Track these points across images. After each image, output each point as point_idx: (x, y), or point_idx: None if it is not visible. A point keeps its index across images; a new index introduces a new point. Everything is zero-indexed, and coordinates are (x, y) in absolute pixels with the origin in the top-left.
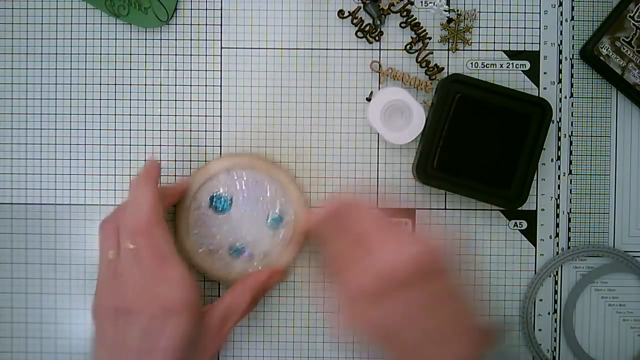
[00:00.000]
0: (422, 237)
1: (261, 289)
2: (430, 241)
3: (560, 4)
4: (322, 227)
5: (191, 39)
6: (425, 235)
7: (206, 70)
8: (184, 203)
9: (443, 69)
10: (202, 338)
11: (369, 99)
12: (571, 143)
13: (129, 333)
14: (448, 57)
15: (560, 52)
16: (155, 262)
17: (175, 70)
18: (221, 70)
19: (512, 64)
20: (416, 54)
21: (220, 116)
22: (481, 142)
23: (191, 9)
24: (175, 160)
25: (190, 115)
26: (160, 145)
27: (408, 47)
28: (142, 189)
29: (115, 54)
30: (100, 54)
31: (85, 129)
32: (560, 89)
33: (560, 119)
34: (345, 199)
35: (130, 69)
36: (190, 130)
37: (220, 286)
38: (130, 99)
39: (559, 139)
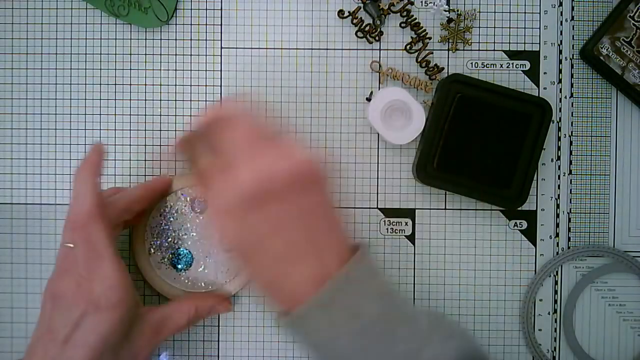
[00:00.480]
0: (295, 150)
1: (204, 312)
2: (304, 154)
3: (560, 4)
4: (195, 139)
5: (191, 39)
6: (299, 148)
7: (206, 70)
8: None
9: (443, 69)
10: (132, 338)
11: (369, 99)
12: (571, 143)
13: (60, 321)
14: (448, 57)
15: (560, 52)
16: (90, 259)
17: (175, 70)
18: (221, 70)
19: (512, 64)
20: (416, 54)
21: None
22: (481, 142)
23: (191, 9)
24: (175, 160)
25: (191, 116)
26: (160, 145)
27: (408, 47)
28: (81, 181)
29: (115, 54)
30: (100, 54)
31: (85, 129)
32: (560, 89)
33: (560, 119)
34: (220, 109)
35: (130, 69)
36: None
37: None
38: (130, 99)
39: (559, 139)
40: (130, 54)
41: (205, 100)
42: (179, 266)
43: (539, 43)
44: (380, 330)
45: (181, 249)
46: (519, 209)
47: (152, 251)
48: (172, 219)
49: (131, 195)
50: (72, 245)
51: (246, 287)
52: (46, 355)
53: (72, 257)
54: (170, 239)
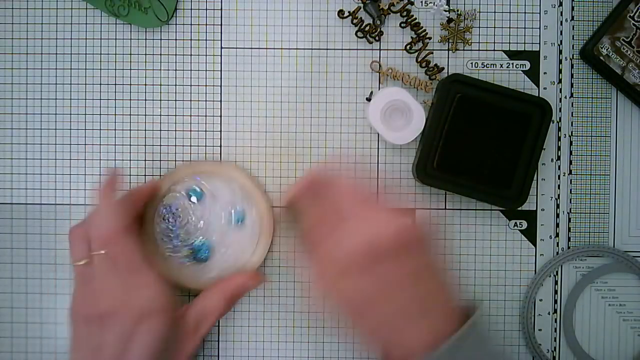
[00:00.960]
0: (399, 213)
1: (236, 293)
2: (402, 218)
3: (560, 4)
4: (300, 198)
5: (191, 39)
6: (400, 213)
7: (206, 70)
8: (150, 211)
9: (443, 69)
10: (176, 341)
11: (369, 99)
12: (571, 143)
13: (104, 338)
14: (448, 57)
15: (560, 52)
16: (128, 269)
17: (175, 70)
18: (221, 70)
19: (512, 64)
20: (416, 54)
21: (220, 116)
22: (481, 142)
23: (191, 9)
24: (175, 160)
25: (190, 115)
26: (160, 145)
27: (408, 47)
28: (103, 201)
29: (115, 54)
30: (100, 54)
31: (85, 129)
32: (560, 89)
33: (560, 119)
34: (324, 170)
35: (130, 69)
36: (190, 130)
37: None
38: (130, 99)
39: (559, 139)
40: (130, 54)
41: (205, 100)
42: (203, 256)
43: (539, 43)
44: None
45: (195, 242)
46: (519, 209)
47: (171, 255)
48: (176, 218)
49: (139, 197)
50: (104, 252)
51: (268, 252)
52: None
53: (100, 272)
54: (181, 238)
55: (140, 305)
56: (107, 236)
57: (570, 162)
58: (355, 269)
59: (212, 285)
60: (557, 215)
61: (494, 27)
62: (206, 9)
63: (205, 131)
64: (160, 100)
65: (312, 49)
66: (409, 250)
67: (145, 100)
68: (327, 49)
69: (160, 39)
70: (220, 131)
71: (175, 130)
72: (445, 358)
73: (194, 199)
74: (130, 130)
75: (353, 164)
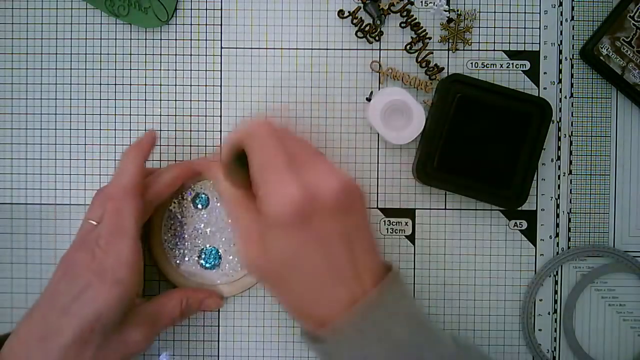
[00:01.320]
0: (338, 169)
1: (193, 307)
2: (346, 174)
3: (560, 4)
4: (251, 137)
5: (191, 39)
6: (331, 167)
7: (206, 70)
8: (157, 219)
9: (443, 69)
10: (125, 326)
11: (369, 99)
12: (571, 143)
13: (64, 289)
14: (448, 57)
15: (560, 52)
16: (113, 233)
17: (175, 70)
18: (221, 70)
19: (512, 64)
20: (416, 54)
21: (220, 116)
22: (481, 142)
23: (191, 9)
24: (175, 160)
25: (190, 115)
26: (160, 145)
27: (408, 47)
28: (127, 159)
29: (115, 54)
30: (100, 54)
31: (85, 129)
32: (560, 89)
33: (560, 119)
34: (261, 120)
35: (130, 69)
36: (190, 130)
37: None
38: (130, 99)
39: (559, 139)
40: (130, 54)
41: (205, 100)
42: (210, 264)
43: (539, 43)
44: (409, 353)
45: (204, 249)
46: (519, 209)
47: (179, 263)
48: (183, 227)
49: (165, 178)
50: (95, 223)
51: (243, 292)
52: (43, 321)
53: (94, 230)
54: (188, 246)
55: (102, 268)
56: (111, 193)
57: (570, 162)
58: (293, 223)
59: (173, 291)
60: (557, 215)
61: (494, 27)
62: (206, 9)
63: (205, 131)
64: (160, 100)
65: (312, 49)
66: (348, 206)
67: (145, 100)
68: (327, 49)
69: (160, 39)
70: (220, 131)
71: (175, 130)
72: (366, 313)
73: (199, 206)
74: (130, 130)
75: (353, 163)
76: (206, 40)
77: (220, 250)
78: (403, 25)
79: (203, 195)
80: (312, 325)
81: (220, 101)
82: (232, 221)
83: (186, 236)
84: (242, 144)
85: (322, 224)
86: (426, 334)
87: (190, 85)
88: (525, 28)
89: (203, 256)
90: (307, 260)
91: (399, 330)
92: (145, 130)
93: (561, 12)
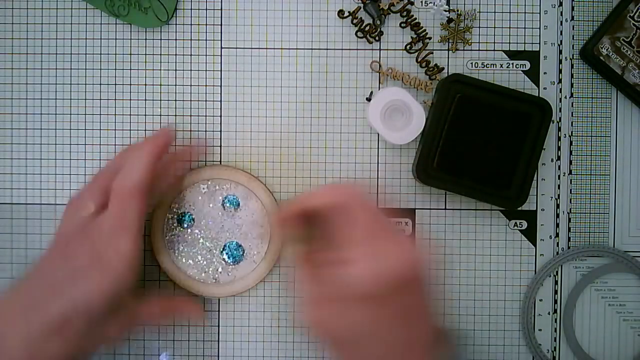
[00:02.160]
0: (407, 247)
1: (171, 312)
2: (414, 253)
3: (560, 4)
4: (316, 215)
5: (191, 39)
6: (411, 243)
7: (206, 70)
8: (158, 223)
9: (443, 69)
10: (109, 319)
11: (369, 99)
12: (571, 143)
13: (60, 265)
14: (448, 57)
15: (560, 52)
16: (116, 227)
17: (175, 70)
18: (221, 70)
19: (512, 64)
20: (416, 54)
21: (220, 116)
22: (481, 142)
23: (191, 9)
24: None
25: (190, 115)
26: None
27: (408, 47)
28: (140, 155)
29: (115, 54)
30: (100, 54)
31: (85, 129)
32: (560, 89)
33: (560, 119)
34: (351, 189)
35: (130, 69)
36: (190, 130)
37: None
38: (130, 99)
39: (559, 139)
40: (130, 54)
41: (205, 100)
42: (236, 257)
43: (539, 43)
44: None
45: (226, 244)
46: (519, 209)
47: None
48: (209, 230)
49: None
50: (93, 208)
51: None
52: (30, 293)
53: (96, 219)
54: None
55: (101, 258)
56: (120, 189)
57: (570, 162)
58: (353, 302)
59: (160, 299)
60: (557, 215)
61: (494, 27)
62: (206, 9)
63: (205, 131)
64: (160, 100)
65: (312, 49)
66: (409, 288)
67: (145, 100)
68: (327, 49)
69: (160, 39)
70: (220, 131)
71: (175, 130)
72: None
73: (230, 207)
74: (130, 130)
75: (353, 164)
76: (206, 40)
77: (242, 244)
78: (403, 25)
79: (187, 215)
80: None
81: (220, 101)
82: (303, 281)
83: (187, 236)
84: (326, 206)
85: (381, 304)
86: None
87: (190, 85)
88: (525, 28)
89: (227, 250)
90: (379, 333)
91: None
92: (145, 130)
93: (561, 12)
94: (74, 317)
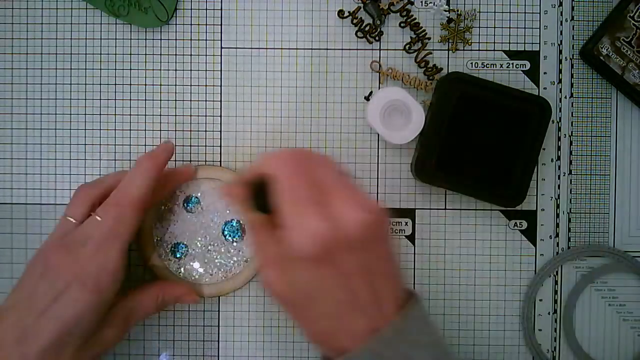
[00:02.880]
0: (367, 198)
1: (169, 301)
2: (365, 211)
3: (560, 4)
4: (276, 170)
5: (191, 39)
6: (365, 201)
7: (206, 70)
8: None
9: (442, 69)
10: (102, 327)
11: (367, 98)
12: (571, 143)
13: (43, 290)
14: (448, 57)
15: (560, 52)
16: (106, 239)
17: (175, 70)
18: (221, 70)
19: (512, 64)
20: (415, 54)
21: (220, 116)
22: (480, 140)
23: (191, 9)
24: (175, 160)
25: (190, 115)
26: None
27: (407, 47)
28: (140, 170)
29: (115, 54)
30: (100, 54)
31: (85, 129)
32: (560, 89)
33: (560, 119)
34: (282, 157)
35: (130, 69)
36: (190, 130)
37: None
38: (130, 99)
39: (559, 139)
40: (130, 54)
41: (205, 100)
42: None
43: (539, 43)
44: None
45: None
46: (519, 209)
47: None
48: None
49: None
50: (74, 222)
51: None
52: (19, 323)
53: (76, 230)
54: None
55: (85, 272)
56: (117, 200)
57: (570, 162)
58: (298, 263)
59: (150, 287)
60: (557, 215)
61: (494, 27)
62: (206, 9)
63: (205, 131)
64: (160, 100)
65: (312, 49)
66: (371, 239)
67: (145, 100)
68: (327, 49)
69: (160, 39)
70: (220, 131)
71: (175, 131)
72: (386, 340)
73: (189, 207)
74: (130, 130)
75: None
76: (206, 40)
77: (242, 222)
78: (402, 25)
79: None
80: (330, 351)
81: (220, 101)
82: (255, 246)
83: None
84: (265, 174)
85: (344, 258)
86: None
87: (190, 85)
88: (525, 28)
89: (226, 232)
90: (328, 293)
91: (421, 357)
92: (145, 130)
93: (561, 12)
94: (67, 336)
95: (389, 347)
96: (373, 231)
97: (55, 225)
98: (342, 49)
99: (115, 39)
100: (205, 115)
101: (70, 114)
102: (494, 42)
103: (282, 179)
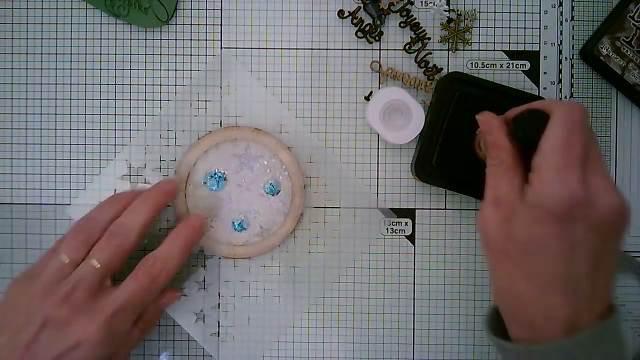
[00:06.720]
0: (615, 189)
1: (153, 317)
2: (620, 198)
3: (560, 4)
4: (565, 116)
5: (191, 39)
6: (616, 188)
7: (206, 70)
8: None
9: (442, 69)
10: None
11: (367, 98)
12: None
13: (46, 344)
14: (448, 57)
15: (560, 52)
16: (94, 291)
17: (175, 70)
18: (221, 70)
19: (512, 64)
20: (415, 54)
21: (220, 116)
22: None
23: (191, 9)
24: (176, 161)
25: (190, 116)
26: (160, 146)
27: (407, 47)
28: (142, 209)
29: (115, 54)
30: (100, 54)
31: (85, 129)
32: (560, 89)
33: None
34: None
35: (130, 69)
36: (190, 131)
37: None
38: (130, 99)
39: None
40: (130, 54)
41: (206, 100)
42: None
43: (539, 43)
44: None
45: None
46: None
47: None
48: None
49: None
50: (98, 266)
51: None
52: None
53: (79, 279)
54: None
55: (91, 329)
56: (115, 246)
57: None
58: (556, 214)
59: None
60: None
61: (494, 27)
62: (206, 9)
63: (206, 131)
64: (160, 100)
65: (312, 49)
66: (613, 229)
67: (145, 100)
68: (327, 49)
69: (160, 39)
70: None
71: (175, 130)
72: (579, 346)
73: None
74: (130, 130)
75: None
76: (206, 40)
77: (225, 173)
78: (402, 25)
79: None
80: (515, 324)
81: (220, 101)
82: (490, 179)
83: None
84: (547, 111)
85: (582, 232)
86: None
87: (190, 85)
88: (525, 28)
89: (207, 182)
90: (548, 256)
91: None
92: (144, 130)
93: (561, 12)
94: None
95: (582, 351)
96: (617, 222)
97: (43, 258)
98: (342, 49)
99: (115, 39)
100: (206, 116)
101: (70, 114)
102: (494, 42)
103: (566, 127)
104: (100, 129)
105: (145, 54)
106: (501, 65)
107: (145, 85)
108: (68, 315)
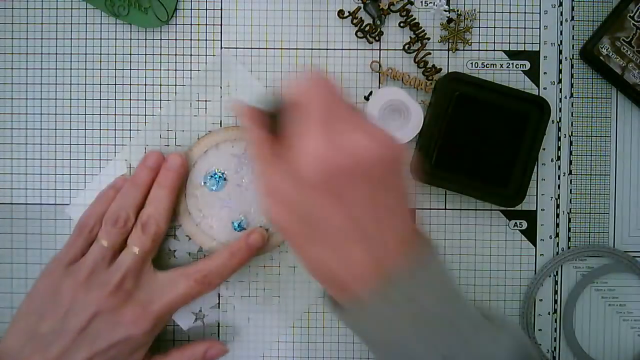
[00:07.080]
0: (379, 129)
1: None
2: (389, 136)
3: (560, 4)
4: (299, 91)
5: (191, 39)
6: (382, 128)
7: (206, 70)
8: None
9: (441, 69)
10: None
11: (367, 98)
12: (571, 143)
13: (101, 330)
14: (448, 57)
15: (560, 52)
16: (145, 276)
17: (175, 70)
18: (221, 70)
19: (512, 64)
20: (415, 54)
21: (220, 116)
22: (479, 140)
23: (191, 9)
24: None
25: (191, 116)
26: (161, 146)
27: (406, 47)
28: (162, 196)
29: (115, 54)
30: (100, 54)
31: (85, 129)
32: (560, 89)
33: (560, 119)
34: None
35: (130, 69)
36: (190, 131)
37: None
38: (130, 99)
39: (559, 139)
40: (130, 54)
41: (206, 100)
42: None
43: (539, 43)
44: (439, 322)
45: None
46: (519, 209)
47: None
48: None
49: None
50: (138, 252)
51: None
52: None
53: (122, 265)
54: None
55: (147, 321)
56: (151, 232)
57: (570, 162)
58: (314, 179)
59: (178, 350)
60: (557, 215)
61: (494, 27)
62: (206, 9)
63: (206, 131)
64: (160, 100)
65: (312, 49)
66: (383, 174)
67: (145, 100)
68: (327, 49)
69: (160, 39)
70: None
71: (175, 130)
72: (397, 281)
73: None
74: (130, 130)
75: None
76: (206, 40)
77: (225, 173)
78: (402, 25)
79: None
80: (335, 290)
81: (221, 101)
82: (256, 170)
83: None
84: (287, 98)
85: (347, 187)
86: (458, 303)
87: (191, 85)
88: (525, 28)
89: (207, 182)
90: (328, 221)
91: (428, 302)
92: (144, 130)
93: (561, 12)
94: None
95: (396, 290)
96: (383, 164)
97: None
98: (342, 49)
99: (115, 39)
100: (206, 116)
101: (70, 114)
102: (494, 42)
103: (305, 99)
104: (100, 129)
105: (145, 54)
106: (501, 65)
107: (145, 85)
108: (119, 305)
